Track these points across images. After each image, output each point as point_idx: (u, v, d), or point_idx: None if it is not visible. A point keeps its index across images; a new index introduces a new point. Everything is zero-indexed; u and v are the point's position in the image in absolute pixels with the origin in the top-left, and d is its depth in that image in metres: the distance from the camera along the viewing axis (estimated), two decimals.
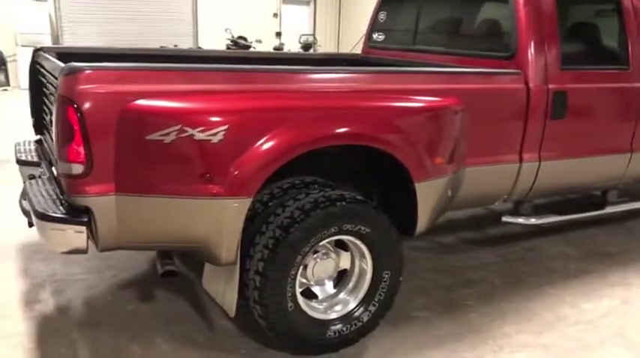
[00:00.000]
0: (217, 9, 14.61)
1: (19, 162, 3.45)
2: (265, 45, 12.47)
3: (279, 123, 2.54)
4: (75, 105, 2.34)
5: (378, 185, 3.34)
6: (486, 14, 3.85)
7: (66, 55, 3.77)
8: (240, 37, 12.43)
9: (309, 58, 4.75)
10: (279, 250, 2.62)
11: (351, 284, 3.00)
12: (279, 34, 14.79)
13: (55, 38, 13.19)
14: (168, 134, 2.40)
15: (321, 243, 2.79)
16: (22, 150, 3.61)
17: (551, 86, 3.48)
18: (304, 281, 2.90)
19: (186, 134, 2.41)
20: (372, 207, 2.84)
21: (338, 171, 3.33)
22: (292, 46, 13.30)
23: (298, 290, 2.81)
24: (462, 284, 3.73)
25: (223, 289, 2.78)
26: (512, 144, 3.47)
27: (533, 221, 3.85)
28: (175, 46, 12.46)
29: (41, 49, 3.70)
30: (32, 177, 3.11)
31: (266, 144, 2.51)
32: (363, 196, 3.40)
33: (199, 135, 2.42)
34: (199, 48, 13.35)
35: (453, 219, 4.84)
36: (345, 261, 3.00)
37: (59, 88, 2.41)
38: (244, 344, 2.99)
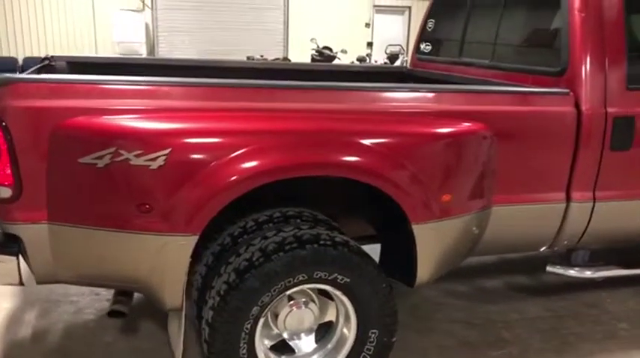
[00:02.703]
0: (308, 19, 14.47)
1: None
2: (351, 55, 12.08)
3: (231, 149, 2.14)
4: (2, 123, 2.08)
5: (382, 222, 2.84)
6: (537, 22, 3.21)
7: (77, 65, 3.63)
8: (326, 48, 12.12)
9: (344, 71, 4.30)
10: (230, 299, 2.21)
11: (330, 345, 2.52)
12: (370, 44, 14.36)
13: (151, 47, 13.66)
14: (101, 157, 2.08)
15: (289, 292, 2.34)
16: None
17: (611, 110, 2.79)
18: (276, 332, 2.47)
19: (122, 158, 2.08)
20: (353, 251, 2.35)
21: (349, 203, 2.88)
22: (381, 57, 12.84)
23: (261, 345, 2.38)
24: (491, 344, 3.10)
25: (176, 335, 2.42)
26: (556, 180, 2.82)
27: (587, 274, 3.14)
28: (261, 56, 12.44)
29: (50, 58, 3.56)
30: None
31: (215, 174, 2.12)
32: (378, 234, 2.94)
33: (136, 159, 2.08)
34: (286, 59, 13.26)
35: (503, 259, 4.17)
36: (331, 312, 2.53)
37: None
38: None
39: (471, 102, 2.63)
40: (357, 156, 2.28)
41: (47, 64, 3.44)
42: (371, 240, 2.87)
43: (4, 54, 13.28)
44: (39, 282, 2.31)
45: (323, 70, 4.35)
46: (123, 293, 2.60)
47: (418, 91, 2.61)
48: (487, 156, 2.60)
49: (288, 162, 2.21)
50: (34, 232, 2.17)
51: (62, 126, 2.08)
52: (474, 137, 2.55)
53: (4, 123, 2.07)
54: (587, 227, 2.93)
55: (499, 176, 2.67)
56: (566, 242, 3.02)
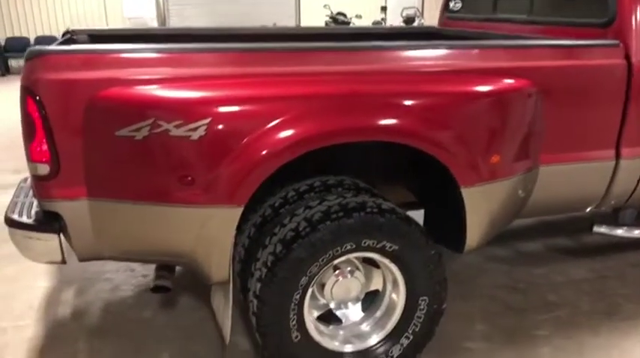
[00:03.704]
0: None
1: None
2: (365, 20, 11.84)
3: (274, 116, 2.04)
4: (36, 97, 2.00)
5: (426, 187, 2.75)
6: None
7: (99, 38, 3.54)
8: (340, 13, 11.90)
9: (370, 33, 4.16)
10: (278, 270, 2.15)
11: (378, 313, 2.46)
12: (384, 9, 14.06)
13: (162, 21, 13.49)
14: (139, 129, 2.00)
15: (336, 261, 2.28)
16: None
17: None
18: (323, 302, 2.41)
19: (161, 129, 2.00)
20: (401, 218, 2.26)
21: (388, 169, 2.80)
22: (396, 21, 12.58)
23: (309, 315, 2.33)
24: (538, 308, 3.03)
25: (222, 309, 2.37)
26: (605, 137, 2.71)
27: (636, 233, 3.04)
28: (274, 24, 12.26)
29: (72, 32, 3.47)
30: None
31: (257, 142, 2.03)
32: (419, 201, 2.86)
33: (176, 130, 2.00)
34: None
35: (543, 221, 4.08)
36: (377, 280, 2.46)
37: (21, 76, 2.09)
38: None
39: (516, 58, 2.50)
40: (409, 120, 2.18)
41: (69, 39, 3.35)
42: (412, 206, 2.79)
43: (16, 34, 13.23)
44: (81, 260, 2.26)
45: (348, 33, 4.21)
46: (165, 268, 2.55)
47: (459, 48, 2.48)
48: (534, 113, 2.49)
49: (340, 127, 2.11)
50: (74, 209, 2.11)
51: (97, 98, 2.00)
52: (519, 94, 2.43)
53: (37, 97, 2.00)
54: (637, 185, 2.82)
55: (546, 134, 2.56)
56: (613, 201, 2.92)
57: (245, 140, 2.02)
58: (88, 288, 3.27)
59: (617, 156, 2.73)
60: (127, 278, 3.39)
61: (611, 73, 2.61)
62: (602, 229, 3.04)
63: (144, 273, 3.43)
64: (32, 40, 13.11)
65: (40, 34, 13.24)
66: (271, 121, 2.03)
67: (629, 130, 2.69)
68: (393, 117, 2.17)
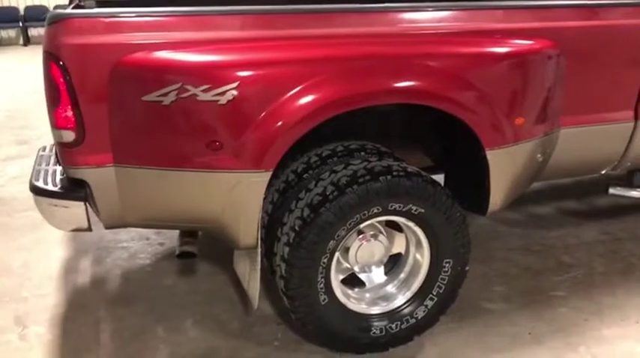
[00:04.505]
0: None
1: None
2: None
3: (301, 79, 2.02)
4: (59, 62, 1.97)
5: (447, 151, 2.75)
6: None
7: (107, 4, 3.45)
8: None
9: None
10: (306, 234, 2.15)
11: (402, 275, 2.48)
12: None
13: None
14: (166, 94, 1.98)
15: (362, 225, 2.29)
16: None
17: None
18: (347, 266, 2.43)
19: (188, 94, 1.97)
20: (427, 181, 2.26)
21: (407, 133, 2.80)
22: None
23: (336, 279, 2.35)
24: (554, 270, 3.07)
25: (249, 275, 2.38)
26: (624, 98, 2.71)
27: None
28: None
29: None
30: None
31: (286, 106, 2.02)
32: (436, 165, 2.86)
33: (204, 95, 1.98)
34: None
35: (554, 185, 4.10)
36: (399, 244, 2.48)
37: (43, 41, 2.06)
38: (280, 334, 2.59)
39: (538, 18, 2.47)
40: (441, 83, 2.16)
41: (77, 5, 3.27)
42: (429, 171, 2.80)
43: (5, 4, 12.98)
44: (107, 227, 2.26)
45: None
46: (189, 234, 2.56)
47: (481, 9, 2.44)
48: (556, 75, 2.47)
49: (372, 89, 2.10)
50: (100, 176, 2.09)
51: (122, 62, 1.97)
52: (542, 55, 2.41)
53: (61, 62, 1.96)
54: None
55: (567, 96, 2.56)
56: (630, 163, 2.93)
57: (274, 103, 2.00)
58: (104, 257, 3.28)
59: (636, 117, 2.73)
60: (143, 246, 3.40)
61: (629, 34, 2.60)
62: (618, 191, 3.07)
63: (160, 241, 3.44)
64: (22, 10, 12.87)
65: (29, 3, 12.99)
66: (300, 84, 2.01)
67: None
68: (426, 80, 2.15)
